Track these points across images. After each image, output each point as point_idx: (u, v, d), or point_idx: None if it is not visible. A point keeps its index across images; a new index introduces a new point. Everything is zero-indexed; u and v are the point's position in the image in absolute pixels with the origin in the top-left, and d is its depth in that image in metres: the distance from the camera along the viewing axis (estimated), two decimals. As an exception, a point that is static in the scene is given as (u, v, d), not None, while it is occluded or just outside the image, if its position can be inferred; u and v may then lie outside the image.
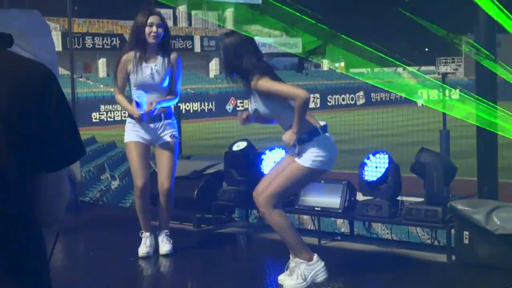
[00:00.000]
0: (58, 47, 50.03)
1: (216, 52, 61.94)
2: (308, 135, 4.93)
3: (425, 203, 6.10)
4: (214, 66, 59.70)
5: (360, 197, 6.61)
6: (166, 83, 6.14)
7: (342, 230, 7.83)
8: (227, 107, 53.07)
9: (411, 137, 19.78)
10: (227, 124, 23.75)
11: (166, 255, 6.25)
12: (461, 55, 68.24)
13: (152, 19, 6.00)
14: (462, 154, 13.26)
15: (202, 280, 5.67)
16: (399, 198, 6.38)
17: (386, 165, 6.42)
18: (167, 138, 6.17)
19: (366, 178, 6.50)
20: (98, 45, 51.06)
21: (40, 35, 1.86)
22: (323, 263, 5.12)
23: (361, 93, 60.15)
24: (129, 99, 6.26)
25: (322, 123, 5.04)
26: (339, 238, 6.87)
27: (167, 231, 6.34)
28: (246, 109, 5.37)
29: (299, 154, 4.95)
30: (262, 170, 6.90)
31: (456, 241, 5.76)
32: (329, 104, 58.39)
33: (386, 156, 6.40)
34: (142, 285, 5.72)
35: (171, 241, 6.32)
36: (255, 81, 4.92)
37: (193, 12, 63.70)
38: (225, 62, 5.10)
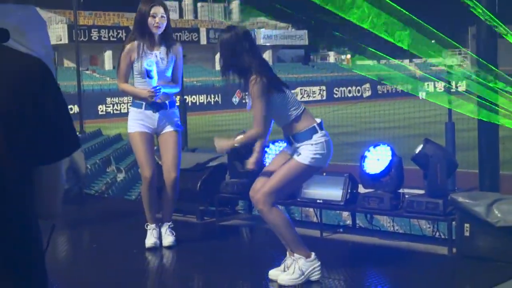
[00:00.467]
0: (64, 39, 50.09)
1: (222, 45, 61.75)
2: (307, 133, 4.95)
3: (426, 196, 6.12)
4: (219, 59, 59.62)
5: (362, 189, 6.63)
6: (169, 72, 6.18)
7: (348, 222, 7.86)
8: (233, 99, 52.96)
9: (417, 129, 19.77)
10: (233, 116, 23.77)
11: (169, 247, 6.28)
12: (468, 47, 68.07)
13: (155, 9, 6.04)
14: (467, 146, 13.26)
15: (205, 272, 5.70)
16: (400, 190, 6.40)
17: (389, 158, 6.44)
18: (171, 127, 6.20)
19: (368, 171, 6.52)
20: (104, 37, 51.09)
21: (36, 30, 1.88)
22: (319, 262, 5.14)
23: (367, 85, 60.05)
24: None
25: (318, 120, 5.06)
26: (341, 230, 6.90)
27: (170, 223, 6.38)
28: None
29: (297, 152, 4.97)
30: (265, 163, 6.92)
31: (457, 234, 5.78)
32: (335, 96, 58.34)
33: (388, 148, 6.41)
34: (145, 277, 5.75)
35: (174, 233, 6.35)
36: (253, 82, 4.92)
37: (199, 4, 63.69)
38: (222, 59, 5.10)
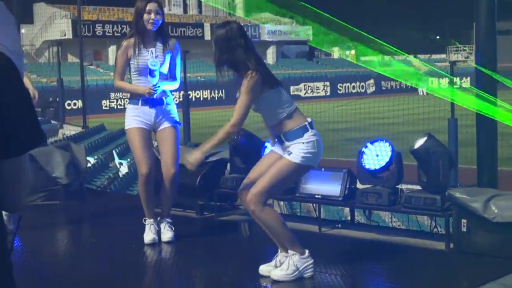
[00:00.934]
0: (69, 34, 50.12)
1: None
2: (298, 132, 4.94)
3: (424, 191, 6.14)
4: (224, 54, 59.56)
5: (361, 185, 6.65)
6: (166, 69, 6.19)
7: (349, 218, 7.87)
8: (238, 95, 53.03)
9: (419, 125, 19.77)
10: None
11: (168, 242, 6.30)
12: (473, 42, 67.91)
13: (150, 6, 6.06)
14: (471, 142, 13.26)
15: (204, 267, 5.72)
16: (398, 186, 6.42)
17: (389, 153, 6.45)
18: (169, 123, 6.21)
19: (367, 166, 6.53)
20: (108, 32, 51.12)
21: (4, 24, 1.88)
22: (313, 260, 5.15)
23: (371, 81, 59.99)
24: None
25: (308, 119, 5.06)
26: (339, 226, 6.92)
27: (169, 218, 6.40)
28: None
29: (288, 151, 4.97)
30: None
31: (454, 229, 5.80)
32: (339, 92, 58.27)
33: (387, 144, 6.43)
34: (143, 271, 5.77)
35: (173, 229, 6.37)
36: (248, 77, 4.92)
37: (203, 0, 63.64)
38: (217, 54, 5.09)
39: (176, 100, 6.72)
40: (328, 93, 58.05)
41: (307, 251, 5.14)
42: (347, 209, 8.18)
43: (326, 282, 5.13)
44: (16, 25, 2.01)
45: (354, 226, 6.94)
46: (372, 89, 60.28)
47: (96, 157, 19.87)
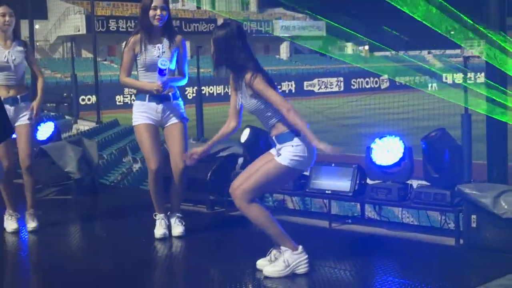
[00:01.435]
0: (82, 30, 50.25)
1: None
2: (289, 135, 4.98)
3: (434, 187, 6.14)
4: (237, 49, 59.52)
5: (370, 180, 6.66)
6: (173, 64, 6.21)
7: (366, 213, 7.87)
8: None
9: (432, 120, 19.69)
10: (249, 107, 23.71)
11: (178, 237, 6.34)
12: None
13: (156, 2, 6.08)
14: (484, 137, 13.21)
15: (214, 262, 5.74)
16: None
17: (401, 149, 6.46)
18: (176, 118, 6.23)
19: (378, 162, 6.53)
20: (122, 28, 51.20)
21: None
22: (307, 256, 5.16)
23: (385, 76, 59.79)
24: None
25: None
26: (349, 221, 6.93)
27: (179, 213, 6.43)
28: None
29: (278, 153, 5.01)
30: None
31: (464, 225, 5.80)
32: (353, 87, 58.16)
33: (397, 139, 6.43)
34: (154, 266, 5.80)
35: (183, 223, 6.40)
36: (250, 79, 4.95)
37: (216, -5, 63.64)
38: (215, 55, 5.10)
39: (190, 96, 6.73)
40: (342, 89, 57.95)
41: (300, 247, 5.16)
42: (359, 205, 8.18)
43: (335, 278, 5.14)
44: None
45: (364, 222, 6.94)
46: (386, 84, 60.09)
47: (109, 152, 19.94)
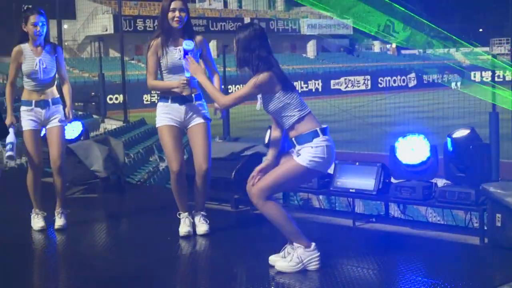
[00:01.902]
0: (110, 29, 50.58)
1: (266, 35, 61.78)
2: (308, 136, 5.03)
3: (458, 186, 6.12)
4: (264, 48, 59.53)
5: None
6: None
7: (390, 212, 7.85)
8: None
9: (460, 119, 19.59)
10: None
11: (203, 235, 6.37)
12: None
13: (174, 4, 6.11)
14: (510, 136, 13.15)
15: (239, 260, 5.76)
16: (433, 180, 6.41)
17: (427, 147, 6.44)
18: (200, 119, 6.26)
19: (404, 162, 6.51)
20: (149, 27, 51.44)
21: None
22: (319, 253, 5.23)
23: (413, 75, 59.50)
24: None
25: (323, 126, 5.11)
26: (373, 220, 6.92)
27: (203, 212, 6.46)
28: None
29: (298, 153, 5.05)
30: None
31: (489, 224, 5.77)
32: (380, 86, 57.90)
33: (421, 137, 6.42)
34: (178, 264, 5.84)
35: (208, 222, 6.44)
36: (256, 76, 5.05)
37: (243, -6, 63.71)
38: (237, 55, 5.18)
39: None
40: (369, 87, 57.73)
41: (313, 245, 5.23)
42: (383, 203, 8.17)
43: (358, 276, 5.14)
44: None
45: (388, 220, 6.93)
46: (413, 82, 59.77)
47: (136, 151, 20.07)
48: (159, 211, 7.68)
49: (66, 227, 6.82)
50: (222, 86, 6.49)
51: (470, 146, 6.16)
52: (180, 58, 6.12)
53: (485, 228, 5.88)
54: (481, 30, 78.78)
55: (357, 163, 6.75)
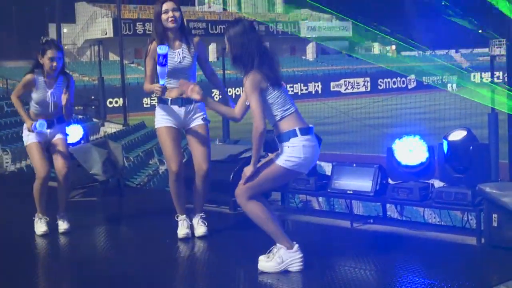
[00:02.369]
0: (110, 33, 50.63)
1: (266, 37, 61.99)
2: (286, 135, 5.06)
3: (455, 187, 6.14)
4: (264, 51, 59.56)
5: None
6: (195, 67, 6.27)
7: (388, 213, 7.87)
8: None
9: (458, 120, 19.62)
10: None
11: (201, 237, 6.40)
12: (516, 36, 66.80)
13: (166, 5, 6.15)
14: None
15: (237, 262, 5.79)
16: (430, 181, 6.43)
17: (424, 148, 6.46)
18: (199, 121, 6.30)
19: (404, 163, 6.53)
20: (149, 31, 51.42)
21: None
22: (301, 254, 5.26)
23: (412, 76, 59.52)
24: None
25: (303, 125, 5.11)
26: (371, 221, 6.94)
27: (202, 213, 6.49)
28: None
29: (278, 153, 5.11)
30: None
31: (485, 224, 5.80)
32: (379, 87, 57.96)
33: (417, 138, 6.45)
34: (176, 266, 5.86)
35: (206, 224, 6.46)
36: (246, 78, 5.05)
37: (242, -3, 63.76)
38: (232, 52, 5.16)
39: (216, 97, 6.79)
40: (369, 89, 57.76)
41: (295, 246, 5.26)
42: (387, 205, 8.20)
43: (355, 277, 5.17)
44: None
45: (386, 221, 6.96)
46: (413, 84, 59.80)
47: (136, 154, 20.12)
48: (158, 214, 7.71)
49: (70, 230, 6.88)
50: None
51: (470, 147, 6.18)
52: (180, 62, 6.17)
53: (482, 228, 5.91)
54: (480, 31, 78.73)
55: (354, 165, 6.79)
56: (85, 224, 7.30)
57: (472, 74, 60.56)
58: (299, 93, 53.65)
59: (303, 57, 63.73)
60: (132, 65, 49.83)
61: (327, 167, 12.56)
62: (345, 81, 57.26)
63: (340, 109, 26.59)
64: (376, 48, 71.27)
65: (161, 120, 6.29)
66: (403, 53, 67.81)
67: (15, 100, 6.78)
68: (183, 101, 6.22)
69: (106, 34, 50.83)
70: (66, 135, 7.01)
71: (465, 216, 6.68)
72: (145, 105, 42.17)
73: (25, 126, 6.75)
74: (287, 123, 5.08)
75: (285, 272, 5.26)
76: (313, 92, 54.66)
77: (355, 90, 56.64)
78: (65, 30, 49.74)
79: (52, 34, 27.74)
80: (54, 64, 6.59)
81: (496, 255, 5.65)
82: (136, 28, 51.81)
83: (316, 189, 7.05)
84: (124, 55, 27.72)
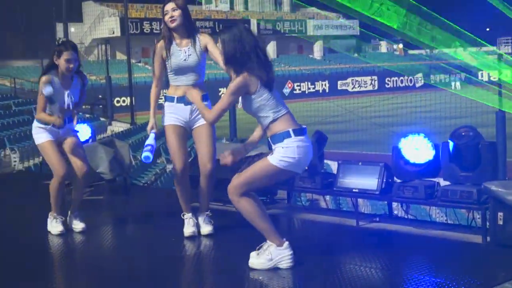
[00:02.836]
0: (117, 32, 50.71)
1: (273, 36, 62.04)
2: (280, 137, 5.10)
3: (460, 185, 6.15)
4: (271, 50, 59.70)
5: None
6: (201, 65, 6.29)
7: (395, 212, 7.88)
8: (284, 90, 53.08)
9: (460, 119, 19.60)
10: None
11: (207, 236, 6.42)
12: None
13: (166, 7, 6.24)
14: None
15: (244, 260, 5.79)
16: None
17: (430, 146, 6.47)
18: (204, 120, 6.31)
19: (412, 161, 6.53)
20: (156, 30, 51.56)
21: None
22: (291, 252, 5.30)
23: (420, 75, 59.44)
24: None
25: (297, 126, 5.15)
26: (377, 219, 6.95)
27: (207, 212, 6.51)
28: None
29: (272, 152, 5.15)
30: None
31: (491, 222, 5.80)
32: (387, 86, 57.87)
33: (421, 136, 6.45)
34: (182, 264, 5.88)
35: (212, 222, 6.48)
36: (233, 80, 5.08)
37: (249, -4, 63.75)
38: (223, 53, 5.18)
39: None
40: (376, 88, 57.68)
41: (285, 243, 5.31)
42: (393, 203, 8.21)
43: (360, 275, 5.17)
44: None
45: (392, 220, 6.97)
46: (420, 83, 59.70)
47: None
48: (165, 212, 7.73)
49: (86, 230, 6.90)
50: None
51: (476, 146, 6.18)
52: (185, 60, 6.20)
53: (488, 226, 5.91)
54: (488, 29, 78.57)
55: (360, 163, 6.79)
56: (92, 223, 7.31)
57: (480, 73, 60.41)
58: (306, 92, 53.69)
59: (310, 56, 63.72)
60: (139, 64, 49.91)
61: (333, 166, 12.57)
62: (352, 79, 57.21)
63: (347, 107, 26.56)
64: (383, 46, 71.18)
65: (168, 118, 6.34)
66: (411, 52, 67.71)
67: (41, 116, 6.64)
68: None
69: (113, 33, 50.92)
70: (77, 134, 6.99)
71: (471, 215, 6.68)
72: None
73: (34, 125, 6.74)
74: (280, 124, 5.13)
75: (290, 270, 5.27)
76: (320, 91, 54.63)
77: (362, 89, 56.59)
78: (72, 30, 49.86)
79: (60, 34, 27.81)
80: (71, 65, 6.58)
81: (502, 253, 5.64)
82: (143, 27, 51.88)
83: (321, 188, 7.06)
84: (131, 54, 27.79)
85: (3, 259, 6.15)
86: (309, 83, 55.09)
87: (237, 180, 5.23)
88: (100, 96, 30.43)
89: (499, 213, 5.69)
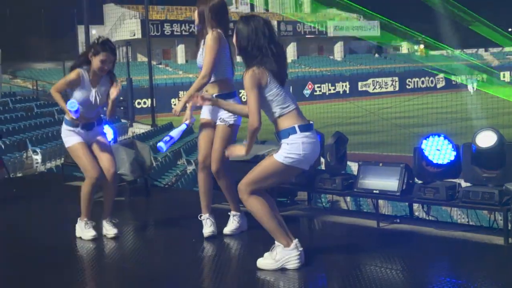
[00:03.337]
0: (138, 34, 50.91)
1: (293, 37, 61.99)
2: (285, 133, 5.08)
3: (482, 186, 6.11)
4: (291, 51, 59.68)
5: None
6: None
7: (417, 213, 7.85)
8: (305, 91, 53.05)
9: (481, 120, 19.48)
10: (304, 108, 23.82)
11: (228, 235, 6.45)
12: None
13: (193, 16, 6.38)
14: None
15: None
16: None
17: (451, 147, 6.44)
18: (221, 122, 6.33)
19: (435, 161, 6.50)
20: (177, 31, 51.76)
21: None
22: (299, 252, 5.27)
23: (441, 75, 59.14)
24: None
25: (303, 122, 5.12)
26: (398, 220, 6.93)
27: (235, 212, 6.55)
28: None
29: (277, 149, 5.13)
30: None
31: (512, 224, 5.77)
32: (408, 87, 57.65)
33: (442, 137, 6.43)
34: (204, 264, 5.90)
35: (238, 221, 6.52)
36: (245, 74, 5.05)
37: (270, -3, 63.79)
38: (236, 43, 5.18)
39: (244, 98, 6.78)
40: (397, 89, 57.48)
41: (293, 244, 5.26)
42: (414, 204, 8.17)
43: (381, 276, 5.16)
44: None
45: (412, 221, 6.95)
46: (442, 83, 59.43)
47: (164, 155, 20.23)
48: (185, 213, 7.75)
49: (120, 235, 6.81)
50: None
51: (499, 147, 6.13)
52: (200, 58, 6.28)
53: (509, 228, 5.87)
54: (510, 29, 78.04)
55: (380, 164, 6.77)
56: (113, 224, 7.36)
57: (502, 73, 60.03)
58: (327, 93, 53.62)
59: (331, 57, 63.61)
60: (160, 66, 50.07)
61: (353, 167, 12.55)
62: (373, 80, 57.03)
63: (367, 108, 26.50)
64: (404, 47, 70.91)
65: (202, 112, 6.38)
66: (432, 52, 67.41)
67: (55, 93, 6.48)
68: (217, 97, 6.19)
69: (134, 35, 51.12)
70: (106, 136, 6.89)
71: (493, 216, 6.64)
72: (173, 106, 42.28)
73: (64, 128, 6.66)
74: (286, 120, 5.10)
75: (310, 271, 5.27)
76: (341, 92, 54.52)
77: (383, 90, 56.40)
78: (93, 32, 50.04)
79: (81, 36, 27.97)
80: (105, 67, 6.46)
81: (524, 255, 5.61)
82: (164, 29, 52.04)
83: (342, 189, 7.04)
84: (152, 56, 27.87)
85: (29, 258, 6.23)
86: (329, 84, 55.00)
87: (246, 179, 5.22)
88: (121, 98, 30.55)
89: (520, 215, 5.65)
